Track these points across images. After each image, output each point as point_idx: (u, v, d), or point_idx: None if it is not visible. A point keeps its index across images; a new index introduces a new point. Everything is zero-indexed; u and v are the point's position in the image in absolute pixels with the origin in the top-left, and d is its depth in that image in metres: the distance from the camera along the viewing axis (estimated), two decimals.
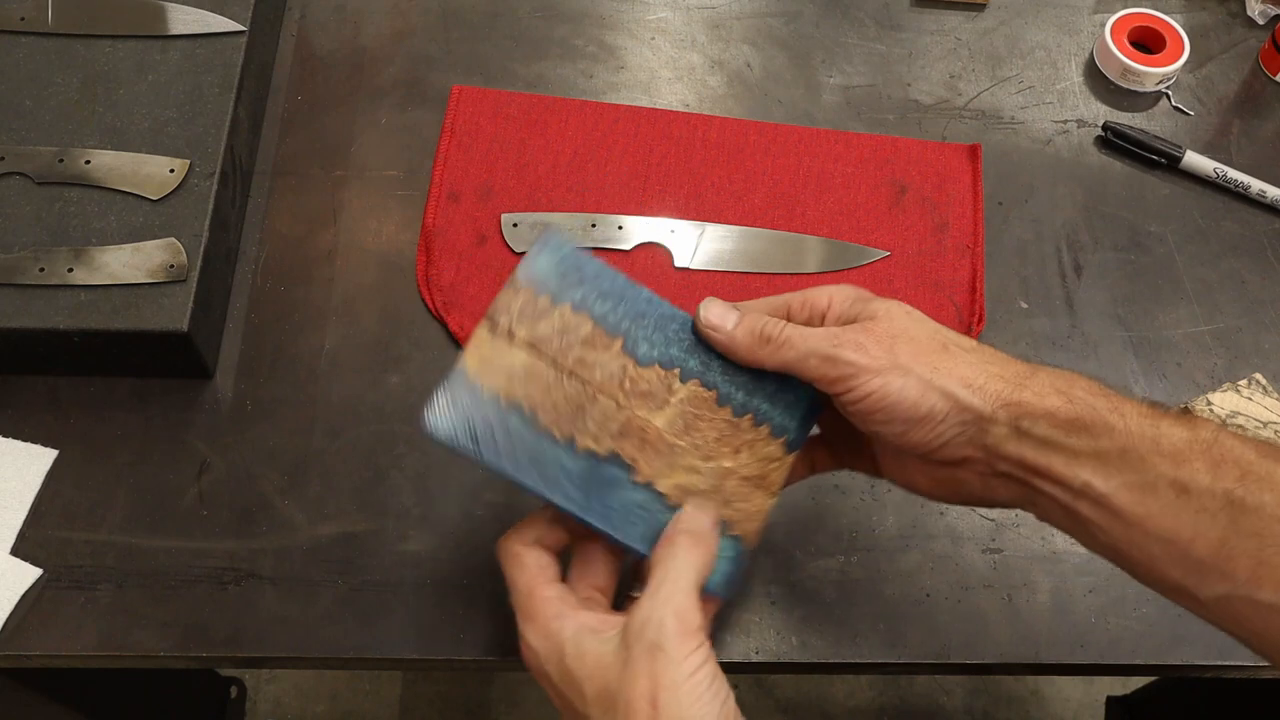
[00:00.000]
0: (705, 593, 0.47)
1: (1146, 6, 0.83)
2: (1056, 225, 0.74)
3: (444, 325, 0.67)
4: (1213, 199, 0.76)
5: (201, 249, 0.62)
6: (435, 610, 0.59)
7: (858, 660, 0.60)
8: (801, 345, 0.47)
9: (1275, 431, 0.66)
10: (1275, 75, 0.81)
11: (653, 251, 0.71)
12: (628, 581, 0.50)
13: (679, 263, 0.70)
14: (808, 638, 0.60)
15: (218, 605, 0.59)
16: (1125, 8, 0.82)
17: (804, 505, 0.63)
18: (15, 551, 0.59)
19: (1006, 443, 0.45)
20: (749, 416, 0.50)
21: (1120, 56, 0.79)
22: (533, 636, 0.46)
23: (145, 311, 0.60)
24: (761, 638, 0.60)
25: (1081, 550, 0.63)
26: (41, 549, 0.59)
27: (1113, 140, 0.77)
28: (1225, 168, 0.75)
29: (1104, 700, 1.33)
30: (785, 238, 0.72)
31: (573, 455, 0.48)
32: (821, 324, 0.49)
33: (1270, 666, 0.61)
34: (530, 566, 0.47)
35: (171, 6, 0.71)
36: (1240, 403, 0.67)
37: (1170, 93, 0.81)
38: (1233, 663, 0.61)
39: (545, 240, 0.49)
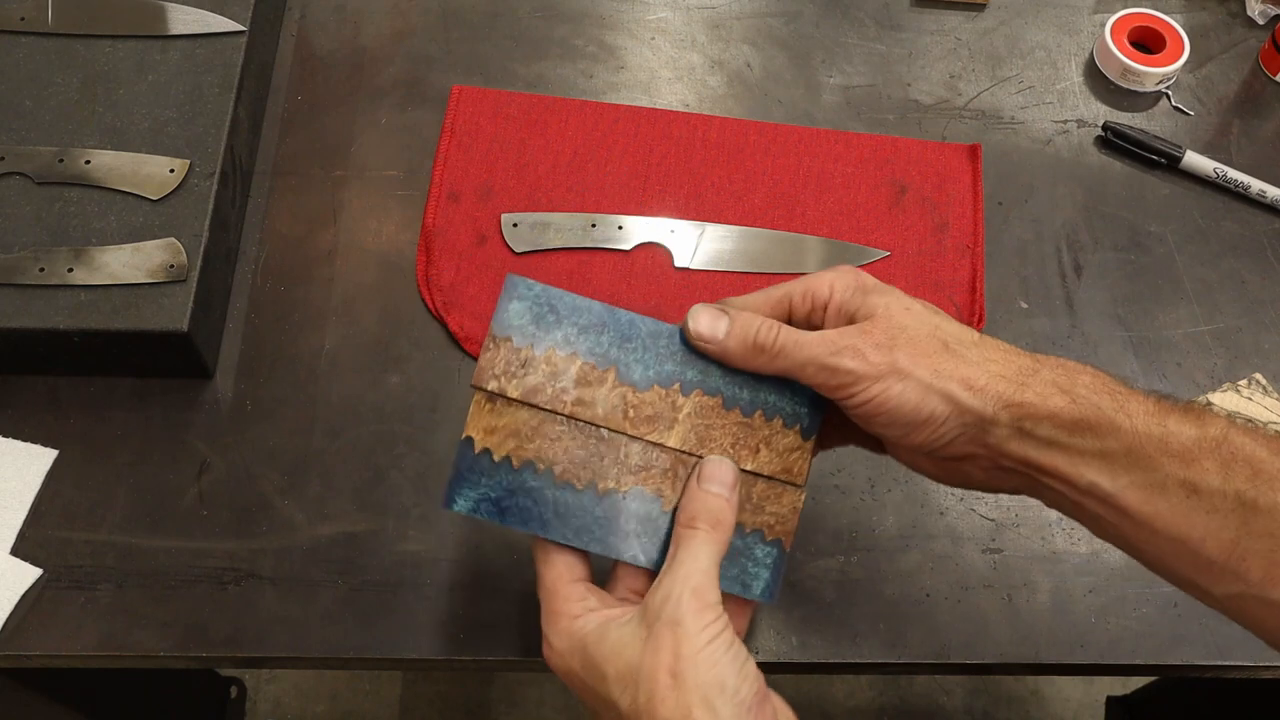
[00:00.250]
0: (753, 598, 0.48)
1: (1146, 6, 0.83)
2: (1056, 225, 0.74)
3: (444, 325, 0.67)
4: (1213, 199, 0.76)
5: (201, 249, 0.62)
6: (435, 610, 0.59)
7: (858, 660, 0.60)
8: (797, 354, 0.46)
9: (1275, 431, 0.66)
10: (1275, 75, 0.81)
11: (653, 251, 0.71)
12: None
13: (679, 263, 0.70)
14: (808, 638, 0.60)
15: (218, 605, 0.59)
16: (1125, 8, 0.82)
17: (804, 505, 0.63)
18: (15, 551, 0.59)
19: (1009, 442, 0.45)
20: (759, 413, 0.49)
21: (1120, 56, 0.79)
22: (554, 636, 0.46)
23: (145, 311, 0.60)
24: (761, 638, 0.60)
25: (1082, 550, 0.63)
26: (41, 549, 0.59)
27: (1113, 140, 0.77)
28: (1225, 168, 0.75)
29: (1104, 700, 1.33)
30: (785, 238, 0.72)
31: (597, 500, 0.47)
32: (823, 314, 0.48)
33: (1270, 666, 0.61)
34: (557, 564, 0.47)
35: (171, 6, 0.71)
36: (1240, 403, 0.67)
37: (1170, 93, 0.81)
38: (1233, 663, 0.61)
39: (509, 287, 0.48)
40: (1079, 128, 0.79)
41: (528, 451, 0.47)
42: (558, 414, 0.47)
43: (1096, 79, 0.81)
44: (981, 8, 0.84)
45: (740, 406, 0.49)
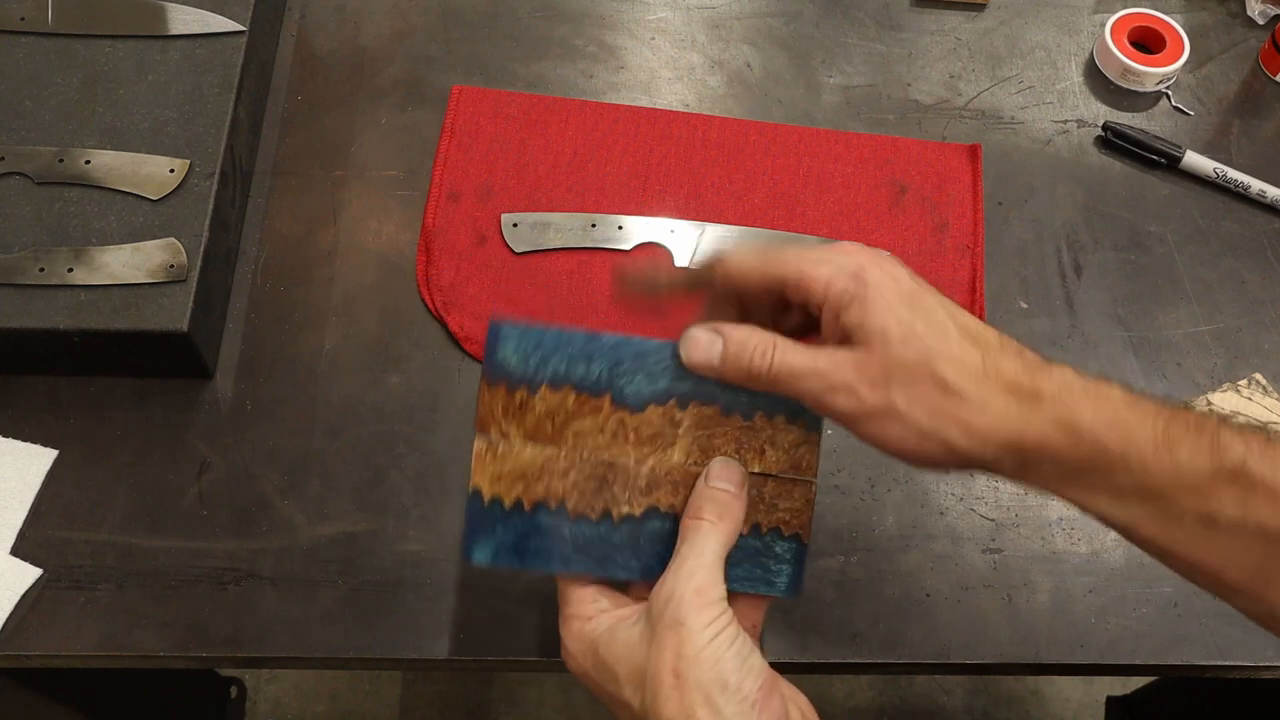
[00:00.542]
0: (779, 595, 0.49)
1: (1146, 6, 0.83)
2: (1056, 225, 0.74)
3: (444, 325, 0.67)
4: (1213, 199, 0.76)
5: (201, 249, 0.62)
6: (435, 610, 0.59)
7: (858, 660, 0.60)
8: (792, 385, 0.45)
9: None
10: (1275, 75, 0.81)
11: (653, 252, 0.71)
12: None
13: (679, 263, 0.70)
14: (808, 638, 0.60)
15: (218, 605, 0.59)
16: (1125, 8, 0.82)
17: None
18: (15, 551, 0.59)
19: (1014, 475, 0.44)
20: (760, 414, 0.49)
21: (1120, 56, 0.79)
22: (568, 638, 0.47)
23: (145, 311, 0.60)
24: (761, 638, 0.60)
25: (1082, 550, 0.63)
26: (41, 549, 0.59)
27: (1113, 140, 0.77)
28: (1225, 168, 0.75)
29: (1104, 700, 1.33)
30: (785, 238, 0.72)
31: (613, 528, 0.48)
32: (818, 314, 0.46)
33: (1270, 666, 0.61)
34: None
35: (171, 6, 0.71)
36: (1240, 403, 0.67)
37: (1170, 93, 0.81)
38: (1233, 663, 0.61)
39: (494, 332, 0.48)
40: (1079, 128, 0.79)
41: (536, 492, 0.47)
42: (560, 449, 0.48)
43: (1096, 79, 0.81)
44: (981, 8, 0.84)
45: (740, 411, 0.49)
